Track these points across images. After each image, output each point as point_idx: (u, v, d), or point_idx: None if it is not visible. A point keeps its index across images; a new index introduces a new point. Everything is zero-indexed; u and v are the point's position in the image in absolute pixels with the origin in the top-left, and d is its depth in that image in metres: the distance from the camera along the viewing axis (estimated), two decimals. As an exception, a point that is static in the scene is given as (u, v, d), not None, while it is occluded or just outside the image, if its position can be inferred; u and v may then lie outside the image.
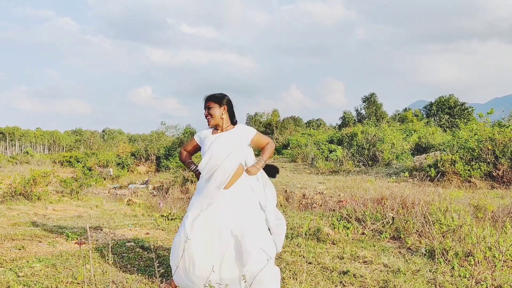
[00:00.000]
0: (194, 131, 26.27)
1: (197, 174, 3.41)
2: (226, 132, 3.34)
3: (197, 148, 3.50)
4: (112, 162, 25.04)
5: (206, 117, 3.36)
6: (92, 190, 12.32)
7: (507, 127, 11.31)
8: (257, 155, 3.43)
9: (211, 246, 3.13)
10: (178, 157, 3.70)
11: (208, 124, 3.37)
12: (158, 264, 3.96)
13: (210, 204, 3.18)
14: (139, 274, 3.62)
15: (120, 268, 3.81)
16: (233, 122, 3.42)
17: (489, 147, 10.71)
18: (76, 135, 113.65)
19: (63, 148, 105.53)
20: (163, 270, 3.73)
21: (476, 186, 10.18)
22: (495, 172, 10.33)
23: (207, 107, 3.34)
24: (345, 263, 4.09)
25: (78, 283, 3.32)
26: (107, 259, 3.99)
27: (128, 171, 23.39)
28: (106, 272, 3.63)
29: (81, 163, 29.37)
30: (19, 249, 4.38)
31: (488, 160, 10.61)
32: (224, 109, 3.34)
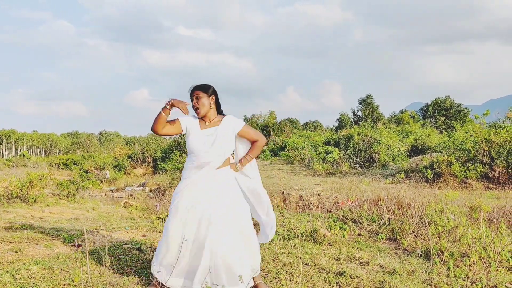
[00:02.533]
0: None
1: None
2: (215, 128, 3.30)
3: (178, 129, 3.30)
4: (109, 165, 24.98)
5: (194, 107, 3.28)
6: (88, 193, 12.33)
7: (502, 129, 11.38)
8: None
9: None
10: (153, 125, 3.19)
11: (197, 115, 3.30)
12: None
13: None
14: (136, 276, 3.63)
15: (117, 270, 3.81)
16: (220, 112, 3.40)
17: (485, 148, 10.77)
18: (73, 137, 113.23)
19: (59, 150, 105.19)
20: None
21: (472, 187, 10.23)
22: (491, 173, 10.38)
23: (196, 97, 3.26)
24: (341, 264, 4.11)
25: (75, 285, 3.32)
26: (104, 261, 4.00)
27: (125, 173, 23.36)
28: (103, 274, 3.64)
29: (77, 165, 29.31)
30: (16, 252, 4.37)
31: (484, 161, 10.66)
32: (212, 99, 3.30)
